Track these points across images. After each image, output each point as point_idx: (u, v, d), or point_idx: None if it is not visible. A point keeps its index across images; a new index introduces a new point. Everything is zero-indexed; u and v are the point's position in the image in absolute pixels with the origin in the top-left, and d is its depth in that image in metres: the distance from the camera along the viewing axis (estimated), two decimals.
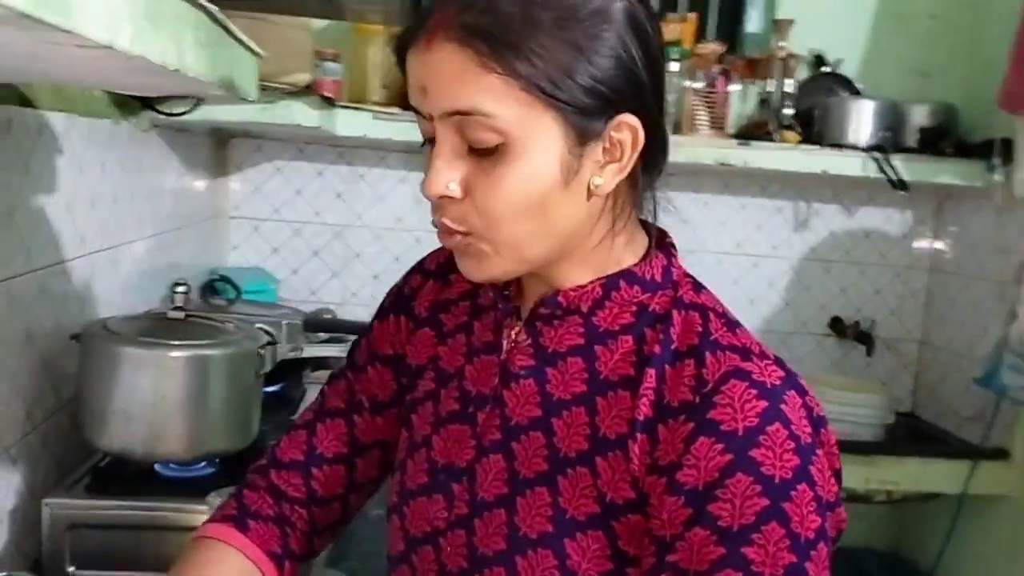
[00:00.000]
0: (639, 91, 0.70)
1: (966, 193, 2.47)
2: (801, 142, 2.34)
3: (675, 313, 0.73)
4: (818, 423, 0.69)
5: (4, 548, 1.21)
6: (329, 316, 2.24)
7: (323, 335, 1.78)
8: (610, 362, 0.74)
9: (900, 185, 2.27)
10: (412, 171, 2.52)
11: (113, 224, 1.57)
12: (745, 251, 2.63)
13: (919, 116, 2.41)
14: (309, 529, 0.91)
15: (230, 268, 2.41)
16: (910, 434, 2.51)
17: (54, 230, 1.31)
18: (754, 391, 0.66)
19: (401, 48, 0.71)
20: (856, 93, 2.48)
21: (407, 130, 2.12)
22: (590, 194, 0.71)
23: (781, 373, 0.69)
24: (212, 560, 0.85)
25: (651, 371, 0.71)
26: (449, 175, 0.70)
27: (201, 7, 0.73)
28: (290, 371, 1.73)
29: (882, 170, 2.28)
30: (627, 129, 0.70)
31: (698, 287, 0.77)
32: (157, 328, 1.29)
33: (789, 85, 2.43)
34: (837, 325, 2.67)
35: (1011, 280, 2.24)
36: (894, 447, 2.33)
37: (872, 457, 2.24)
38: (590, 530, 0.71)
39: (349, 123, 2.09)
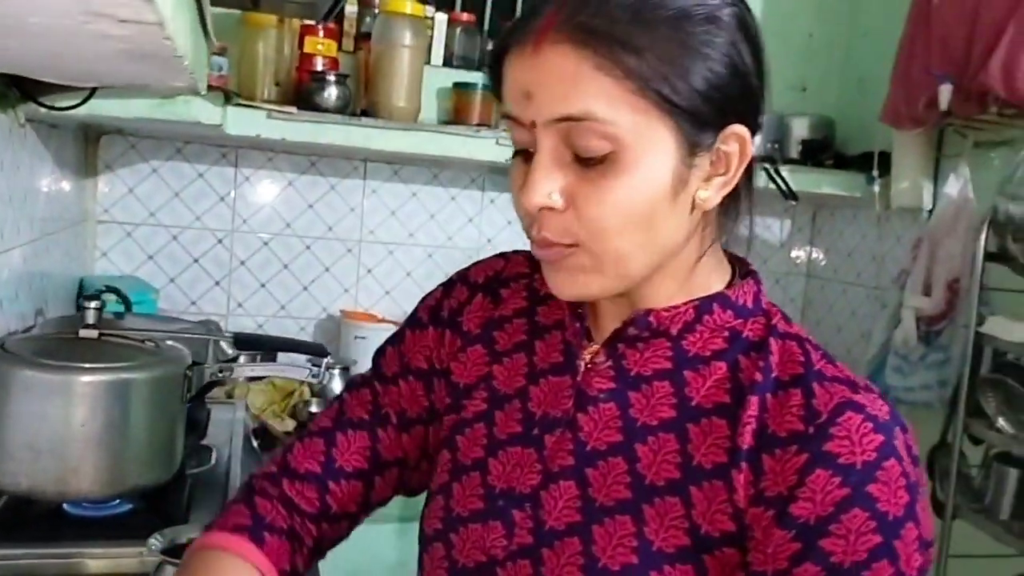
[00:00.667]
0: (750, 100, 0.67)
1: (841, 203, 2.59)
2: None
3: (772, 341, 0.70)
4: (917, 462, 0.67)
5: None
6: (213, 328, 2.09)
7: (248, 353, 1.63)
8: (702, 388, 0.70)
9: (790, 195, 2.35)
10: (301, 173, 2.38)
11: None
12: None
13: (800, 129, 2.51)
14: (314, 546, 0.84)
15: (100, 277, 2.19)
16: None
17: None
18: (870, 424, 0.64)
19: (500, 53, 0.67)
20: None
21: (304, 130, 2.01)
22: (694, 208, 0.68)
23: (887, 408, 0.67)
24: (221, 573, 0.76)
25: (753, 399, 0.68)
26: (551, 185, 0.66)
27: None
28: (205, 391, 1.57)
29: (773, 180, 2.35)
30: (735, 141, 0.67)
31: (787, 317, 0.75)
32: (67, 349, 1.14)
33: None
34: None
35: (889, 286, 2.36)
36: None
37: None
38: (679, 563, 0.67)
39: (241, 122, 1.95)
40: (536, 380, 0.78)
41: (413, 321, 0.87)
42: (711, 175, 0.68)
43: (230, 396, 2.01)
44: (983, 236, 1.79)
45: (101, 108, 1.53)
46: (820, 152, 2.50)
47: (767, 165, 2.35)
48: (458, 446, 0.80)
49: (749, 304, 0.73)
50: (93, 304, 1.18)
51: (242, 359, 1.97)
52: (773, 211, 2.70)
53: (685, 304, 0.72)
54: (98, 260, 2.29)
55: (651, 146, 0.64)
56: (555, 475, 0.73)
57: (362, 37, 2.28)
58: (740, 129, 0.67)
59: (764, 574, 0.64)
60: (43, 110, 1.48)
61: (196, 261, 2.34)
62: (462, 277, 0.87)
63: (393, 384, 0.85)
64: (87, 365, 1.10)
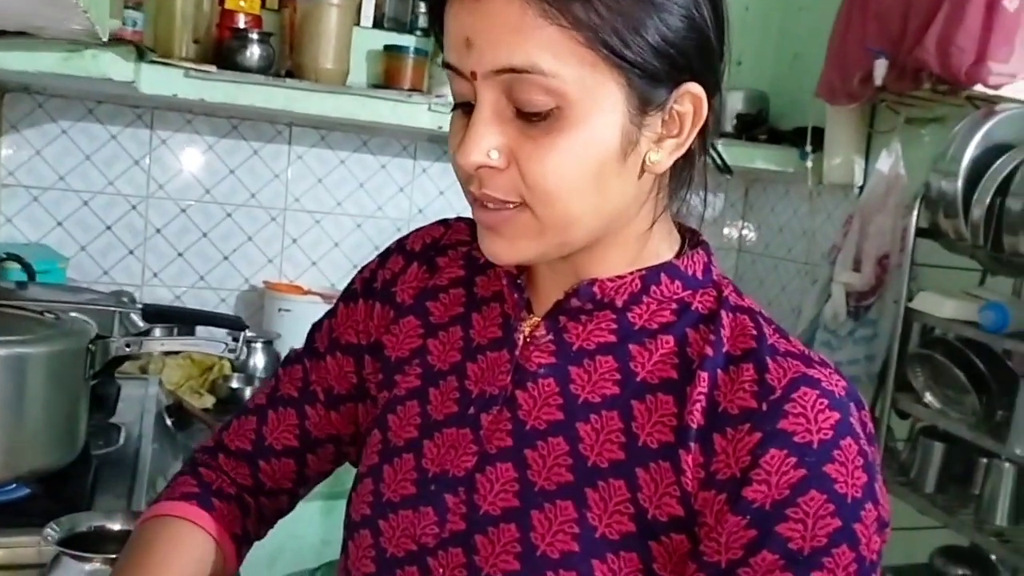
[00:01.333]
0: (707, 58, 0.62)
1: (774, 178, 2.59)
2: None
3: (723, 314, 0.66)
4: (871, 438, 0.64)
5: None
6: (127, 299, 1.98)
7: (160, 326, 1.54)
8: (648, 363, 0.66)
9: (726, 169, 2.33)
10: (224, 137, 2.28)
11: None
12: None
13: (735, 102, 2.50)
14: (258, 516, 0.84)
15: (1, 244, 2.06)
16: None
17: None
18: (825, 400, 0.60)
19: None
20: None
21: (224, 90, 1.91)
22: (643, 171, 0.63)
23: (844, 383, 0.63)
24: (177, 540, 0.76)
25: (703, 374, 0.63)
26: (490, 141, 0.61)
27: None
28: (111, 366, 1.48)
29: (708, 154, 2.33)
30: (690, 100, 0.62)
31: (738, 290, 0.70)
32: None
33: None
34: None
35: (819, 262, 2.38)
36: None
37: None
38: (623, 551, 0.62)
39: (156, 81, 1.85)
40: (473, 356, 0.73)
41: (346, 294, 0.83)
42: (663, 136, 0.63)
43: (144, 371, 1.91)
44: (915, 212, 1.80)
45: (2, 61, 1.41)
46: (754, 127, 2.49)
47: None
48: (389, 426, 0.75)
49: (699, 275, 0.69)
50: None
51: (157, 332, 1.88)
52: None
53: (631, 274, 0.67)
54: (2, 226, 2.15)
55: (598, 103, 0.59)
56: (492, 457, 0.68)
57: None
58: (695, 88, 0.62)
59: (718, 565, 0.59)
60: None
61: (108, 228, 2.22)
62: (399, 245, 0.82)
63: (321, 360, 0.82)
64: None
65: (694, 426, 0.62)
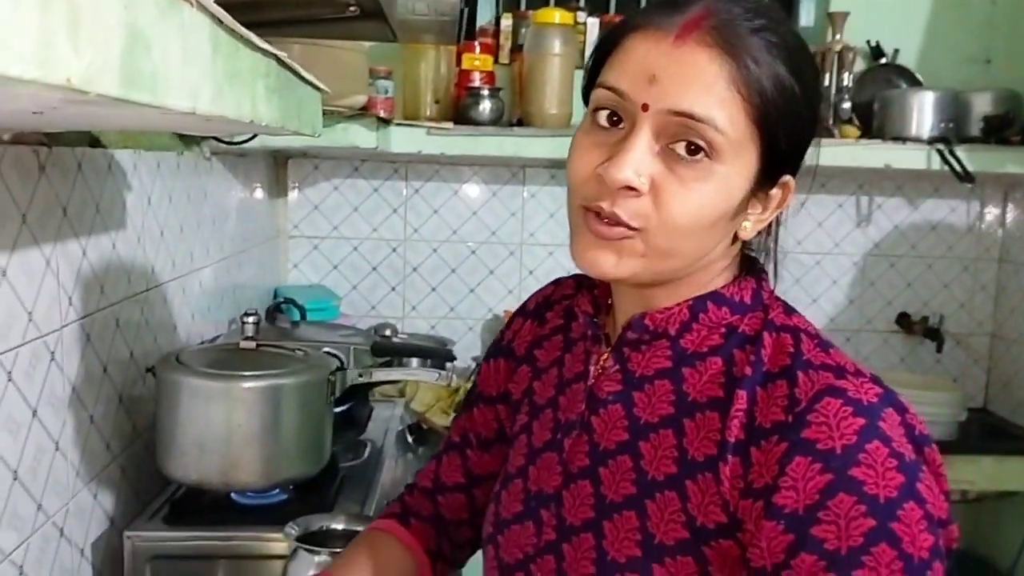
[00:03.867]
0: (804, 154, 0.73)
1: None
2: (861, 136, 2.29)
3: (766, 335, 0.72)
4: (921, 441, 0.67)
5: None
6: (390, 331, 2.26)
7: (387, 357, 1.79)
8: (698, 384, 0.73)
9: (966, 177, 2.21)
10: (464, 183, 2.52)
11: (182, 253, 1.60)
12: (806, 249, 2.59)
13: (982, 104, 2.34)
14: (451, 541, 0.98)
15: (291, 286, 2.44)
16: (984, 431, 2.45)
17: (126, 264, 1.34)
18: (849, 408, 0.64)
19: (625, 30, 0.71)
20: (916, 84, 2.42)
21: (460, 144, 2.14)
22: (733, 235, 0.74)
23: (878, 391, 0.67)
24: (377, 546, 0.94)
25: (742, 392, 0.70)
26: (644, 166, 0.68)
27: (272, 55, 0.74)
28: (356, 391, 1.74)
29: (947, 162, 2.22)
30: (782, 189, 0.73)
31: (789, 310, 0.76)
32: (229, 359, 1.31)
33: (846, 78, 2.38)
34: (904, 321, 2.61)
35: None
36: (967, 445, 2.27)
37: (945, 457, 2.16)
38: (679, 555, 0.70)
39: (403, 140, 2.11)
40: (563, 390, 0.84)
41: (486, 354, 0.98)
42: (754, 211, 0.73)
43: (402, 394, 2.18)
44: None
45: (271, 140, 1.71)
46: (1004, 128, 2.32)
47: (940, 146, 2.23)
48: (508, 458, 0.88)
49: (747, 300, 0.75)
50: (251, 319, 1.35)
51: (415, 363, 2.14)
52: (957, 192, 2.54)
53: (678, 305, 0.75)
54: (290, 271, 2.54)
55: (739, 168, 0.69)
56: (574, 475, 0.78)
57: (516, 49, 2.38)
58: (790, 180, 0.73)
59: (764, 569, 0.64)
60: (223, 144, 1.69)
61: (374, 269, 2.54)
62: (521, 308, 0.96)
63: (473, 411, 0.97)
64: (245, 373, 1.26)
65: (732, 440, 0.68)
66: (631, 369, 0.77)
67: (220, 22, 0.57)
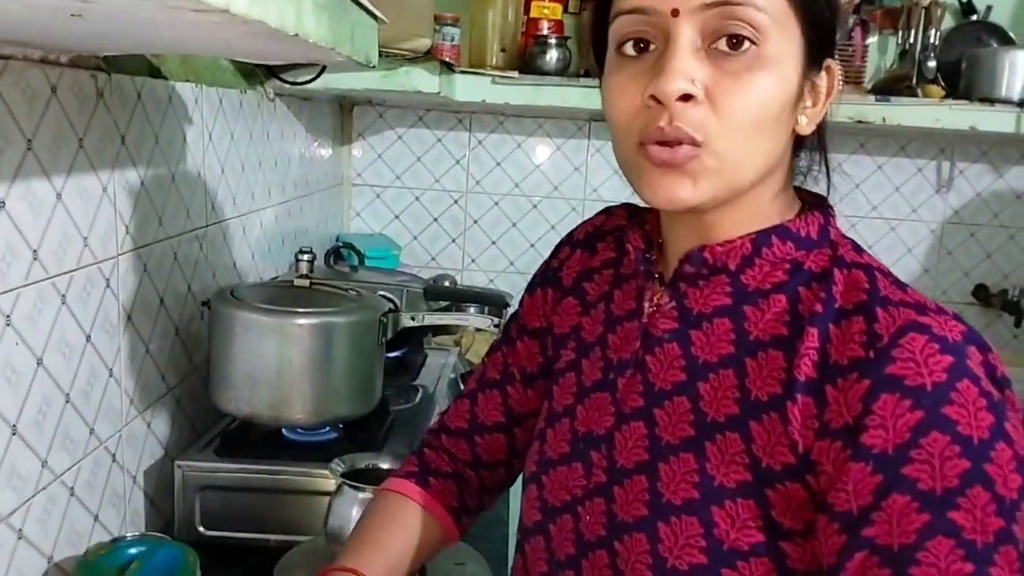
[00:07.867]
0: (836, 32, 0.70)
1: None
2: (946, 97, 2.19)
3: (836, 271, 0.68)
4: (1003, 383, 0.62)
5: (142, 507, 1.26)
6: (448, 282, 2.25)
7: (443, 303, 1.77)
8: (760, 322, 0.70)
9: None
10: (530, 136, 2.49)
11: (242, 192, 1.60)
12: (881, 214, 2.49)
13: None
14: (480, 487, 0.96)
15: (353, 234, 2.44)
16: None
17: (185, 198, 1.34)
18: (936, 345, 0.60)
19: None
20: (1008, 42, 2.30)
21: (525, 93, 2.10)
22: (792, 132, 0.70)
23: (962, 328, 0.62)
24: (395, 514, 0.91)
25: (813, 330, 0.65)
26: (693, 71, 0.64)
27: None
28: (411, 337, 1.73)
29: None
30: (828, 74, 0.70)
31: (859, 248, 0.72)
32: (283, 296, 1.31)
33: (932, 35, 2.27)
34: (981, 293, 2.51)
35: None
36: None
37: None
38: (740, 498, 0.66)
39: (468, 89, 2.08)
40: (613, 327, 0.80)
41: (529, 284, 0.94)
42: (805, 105, 0.69)
43: (458, 344, 2.17)
44: None
45: (334, 82, 1.70)
46: None
47: None
48: (553, 395, 0.84)
49: (813, 235, 0.71)
50: (305, 257, 1.35)
51: (472, 310, 2.13)
52: None
53: (740, 238, 0.71)
54: (353, 219, 2.54)
55: (787, 51, 0.65)
56: (626, 416, 0.75)
57: None
58: (834, 65, 0.70)
59: (851, 512, 0.60)
60: (287, 85, 1.69)
61: (435, 220, 2.53)
62: (568, 236, 0.92)
63: (514, 345, 0.93)
64: (297, 309, 1.26)
65: (802, 379, 0.64)
66: (688, 306, 0.74)
67: None
